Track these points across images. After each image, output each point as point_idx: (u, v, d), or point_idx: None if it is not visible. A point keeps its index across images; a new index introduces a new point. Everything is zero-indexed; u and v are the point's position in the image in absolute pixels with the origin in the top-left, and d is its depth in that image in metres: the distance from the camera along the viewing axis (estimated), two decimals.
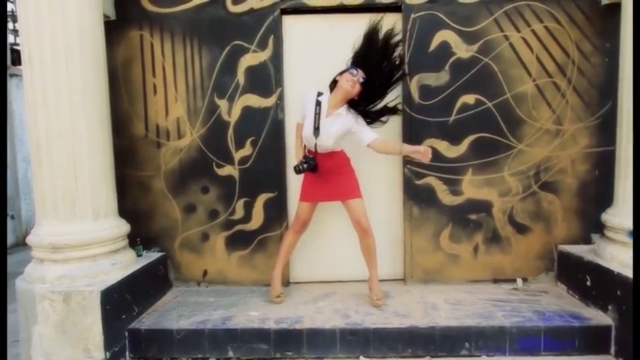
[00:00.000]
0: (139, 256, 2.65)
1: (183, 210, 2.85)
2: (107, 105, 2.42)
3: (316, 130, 2.37)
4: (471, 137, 2.74)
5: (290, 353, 2.21)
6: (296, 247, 2.72)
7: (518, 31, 2.68)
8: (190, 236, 2.86)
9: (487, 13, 2.68)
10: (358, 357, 2.19)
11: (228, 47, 2.76)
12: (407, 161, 2.76)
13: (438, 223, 2.79)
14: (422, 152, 2.30)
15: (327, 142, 2.39)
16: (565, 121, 2.72)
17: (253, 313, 2.40)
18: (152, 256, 2.73)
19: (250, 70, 2.76)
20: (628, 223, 2.22)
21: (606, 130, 2.66)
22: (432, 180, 2.77)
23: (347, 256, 2.83)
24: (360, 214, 2.45)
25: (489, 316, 2.29)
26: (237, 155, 2.82)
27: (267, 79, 2.76)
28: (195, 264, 2.88)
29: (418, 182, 2.77)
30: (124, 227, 2.44)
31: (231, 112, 2.79)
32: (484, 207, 2.78)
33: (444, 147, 2.75)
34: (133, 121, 2.82)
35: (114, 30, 2.73)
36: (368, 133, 2.38)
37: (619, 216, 2.31)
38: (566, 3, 2.66)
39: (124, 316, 2.24)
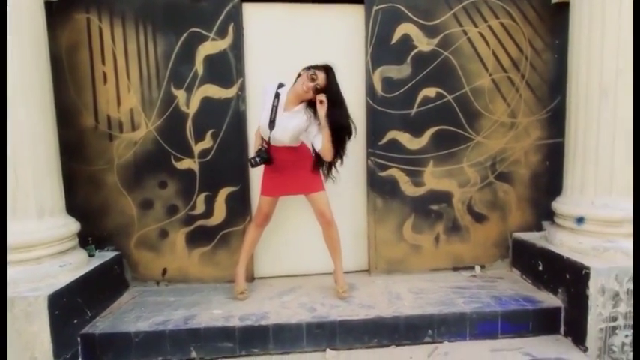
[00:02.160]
0: (91, 256, 2.48)
1: (140, 206, 2.70)
2: (50, 93, 2.23)
3: (272, 122, 2.30)
4: (432, 130, 2.80)
5: (256, 350, 2.17)
6: (260, 242, 2.67)
7: (476, 26, 2.76)
8: (148, 233, 2.72)
9: (447, 7, 2.74)
10: (325, 349, 2.19)
11: (185, 35, 2.63)
12: (370, 153, 2.78)
13: (401, 215, 2.84)
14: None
15: (282, 137, 2.32)
16: (519, 115, 2.84)
17: (217, 310, 2.33)
18: (106, 255, 2.57)
19: (209, 60, 2.65)
20: (575, 210, 2.37)
21: (556, 123, 2.81)
22: (395, 172, 2.81)
23: (312, 249, 2.82)
24: (324, 206, 2.43)
25: (450, 303, 2.37)
26: (197, 148, 2.70)
27: (227, 69, 2.66)
28: (154, 262, 2.74)
29: (381, 174, 2.80)
30: (72, 226, 2.28)
31: (190, 102, 2.67)
32: (445, 198, 2.86)
33: (406, 139, 2.79)
34: (81, 112, 2.62)
35: (57, 12, 2.50)
36: (320, 140, 2.29)
37: (567, 204, 2.45)
38: (519, 0, 2.76)
39: (75, 321, 2.09)
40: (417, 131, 2.79)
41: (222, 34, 2.64)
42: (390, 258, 2.87)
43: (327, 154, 2.29)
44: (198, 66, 2.65)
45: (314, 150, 2.38)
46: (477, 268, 2.91)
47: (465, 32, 2.75)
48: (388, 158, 2.79)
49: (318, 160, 2.41)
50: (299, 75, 2.31)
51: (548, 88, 2.83)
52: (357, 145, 2.84)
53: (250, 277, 2.77)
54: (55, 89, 2.30)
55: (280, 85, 2.36)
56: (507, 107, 2.83)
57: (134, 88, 2.64)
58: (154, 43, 2.63)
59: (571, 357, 2.09)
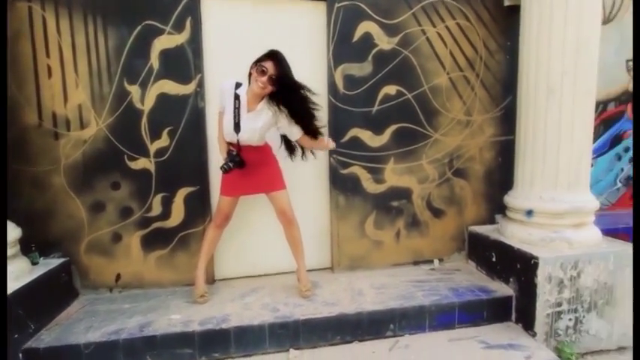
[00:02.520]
0: (34, 264, 2.32)
1: (90, 209, 2.54)
2: (5, 91, 2.04)
3: (237, 125, 2.25)
4: (393, 127, 2.84)
5: (217, 355, 2.12)
6: (220, 242, 2.60)
7: (434, 26, 2.83)
8: (99, 238, 2.58)
9: (406, 7, 2.78)
10: (288, 350, 2.17)
11: (139, 27, 2.49)
12: (333, 151, 2.78)
13: (363, 211, 2.87)
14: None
15: (251, 137, 2.28)
16: (474, 113, 2.95)
17: (175, 316, 2.24)
18: (52, 263, 2.40)
19: (165, 54, 2.53)
20: (525, 204, 2.50)
21: (508, 121, 2.95)
22: (356, 169, 2.83)
23: (274, 248, 2.79)
24: (285, 204, 2.41)
25: (410, 296, 2.43)
26: (153, 147, 2.58)
27: (185, 64, 2.56)
28: (106, 268, 2.60)
29: (343, 172, 2.81)
30: (12, 232, 2.10)
31: (145, 99, 2.54)
32: (405, 194, 2.92)
33: (367, 136, 2.82)
34: (22, 108, 2.42)
35: None
36: (296, 128, 2.30)
37: (518, 198, 2.58)
38: (475, 2, 2.86)
39: (16, 336, 1.93)
40: (378, 129, 2.83)
41: (178, 27, 2.53)
42: (353, 255, 2.89)
43: (312, 143, 2.35)
44: (154, 60, 2.53)
45: (285, 140, 2.42)
46: (436, 261, 3.01)
47: (423, 32, 2.81)
48: (350, 156, 2.80)
49: (288, 148, 2.49)
50: (250, 74, 2.26)
51: (501, 87, 2.96)
52: None
53: (211, 279, 2.70)
54: None
55: (238, 85, 2.29)
56: (463, 105, 2.93)
57: (82, 83, 2.48)
58: (105, 35, 2.47)
59: (521, 342, 2.21)
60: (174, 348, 2.06)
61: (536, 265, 2.24)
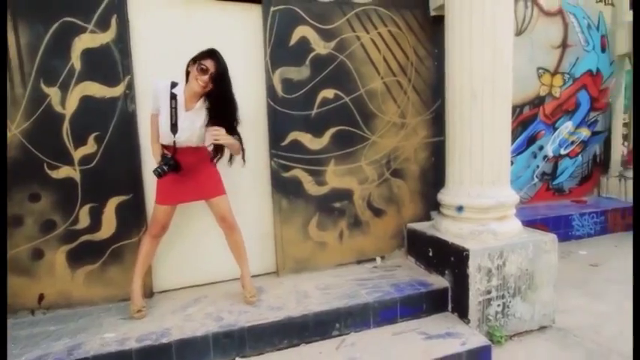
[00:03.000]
0: None
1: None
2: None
3: (174, 126, 2.16)
4: (332, 130, 2.90)
5: None
6: (158, 253, 2.48)
7: (368, 32, 2.94)
8: (17, 255, 2.32)
9: (341, 13, 2.86)
10: (234, 359, 2.12)
11: (56, 25, 2.30)
12: (274, 154, 2.77)
13: (306, 214, 2.89)
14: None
15: (190, 138, 2.22)
16: (408, 115, 3.11)
17: (109, 334, 2.09)
18: None
19: (88, 54, 2.36)
20: (456, 200, 2.68)
21: (438, 123, 3.15)
22: (298, 172, 2.84)
23: (215, 255, 2.71)
24: (225, 210, 2.36)
25: (355, 295, 2.49)
26: (78, 154, 2.39)
27: (111, 65, 2.40)
28: (27, 288, 2.35)
29: (285, 175, 2.82)
30: None
31: (66, 102, 2.35)
32: (346, 195, 2.99)
33: (307, 139, 2.85)
34: None
35: None
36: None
37: (449, 195, 2.76)
38: (404, 11, 3.02)
39: None
40: (317, 132, 2.87)
41: (102, 25, 2.37)
42: (297, 257, 2.90)
43: (237, 150, 2.29)
44: (75, 61, 2.34)
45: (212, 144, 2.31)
46: (378, 259, 3.11)
47: (358, 37, 2.91)
48: (291, 159, 2.81)
49: (216, 152, 2.36)
50: (187, 72, 2.20)
51: (431, 91, 3.15)
52: (259, 147, 2.82)
53: (149, 293, 2.56)
54: None
55: (174, 85, 2.21)
56: (398, 108, 3.07)
57: None
58: (16, 32, 2.25)
59: (457, 330, 2.36)
60: None
61: (467, 256, 2.40)
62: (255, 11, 2.72)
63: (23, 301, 2.35)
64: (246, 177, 2.80)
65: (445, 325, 2.42)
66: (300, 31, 2.77)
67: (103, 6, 2.37)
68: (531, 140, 4.71)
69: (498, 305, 2.47)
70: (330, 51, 2.85)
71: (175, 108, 2.17)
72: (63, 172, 2.37)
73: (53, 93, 2.32)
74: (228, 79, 2.19)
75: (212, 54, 2.15)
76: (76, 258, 2.42)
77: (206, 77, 2.12)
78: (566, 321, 2.63)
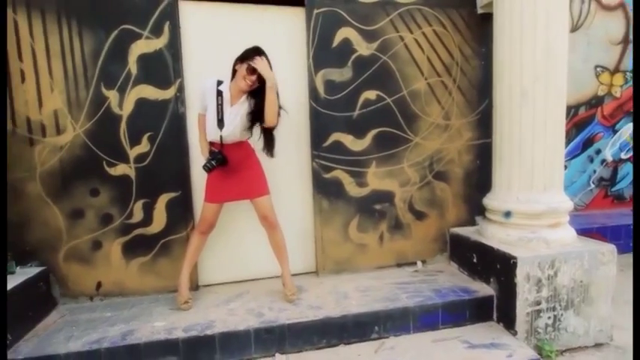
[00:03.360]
0: (10, 273, 2.24)
1: (68, 216, 2.48)
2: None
3: (220, 121, 2.25)
4: (374, 131, 2.88)
5: None
6: (204, 248, 2.57)
7: (411, 32, 2.89)
8: (79, 245, 2.51)
9: (384, 13, 2.84)
10: (274, 354, 2.16)
11: (116, 31, 2.47)
12: (315, 155, 2.80)
13: (346, 215, 2.89)
14: None
15: (234, 131, 2.30)
16: (452, 117, 3.02)
17: (159, 323, 2.20)
18: (29, 272, 2.33)
19: (144, 59, 2.51)
20: (503, 205, 2.57)
21: (484, 124, 3.03)
22: (339, 173, 2.85)
23: (258, 253, 2.78)
24: (268, 210, 2.41)
25: (395, 298, 2.45)
26: (133, 152, 2.55)
27: (164, 69, 2.54)
28: (87, 276, 2.54)
29: (326, 176, 2.83)
30: None
31: (123, 104, 2.51)
32: (387, 197, 2.96)
33: (349, 141, 2.85)
34: None
35: None
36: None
37: (496, 200, 2.65)
38: (449, 10, 2.94)
39: None
40: (359, 133, 2.87)
41: (157, 32, 2.51)
42: (337, 258, 2.91)
43: (273, 117, 2.25)
44: (132, 65, 2.50)
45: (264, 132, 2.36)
46: (419, 263, 3.05)
47: (401, 38, 2.88)
48: (332, 160, 2.83)
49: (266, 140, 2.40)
50: (234, 70, 2.28)
51: (477, 92, 3.05)
52: (301, 147, 2.86)
53: (195, 286, 2.67)
54: None
55: (219, 83, 2.30)
56: (442, 110, 3.00)
57: (58, 88, 2.43)
58: (80, 39, 2.44)
59: (503, 341, 2.26)
60: (158, 356, 2.03)
61: (515, 264, 2.29)
62: (298, 14, 2.77)
63: (82, 288, 2.54)
64: (288, 177, 2.85)
65: (490, 335, 2.33)
66: (343, 33, 2.78)
67: (157, 13, 2.51)
68: (587, 143, 4.41)
69: (549, 318, 2.34)
70: (373, 52, 2.84)
71: (221, 104, 2.26)
72: (120, 169, 2.53)
73: (112, 96, 2.49)
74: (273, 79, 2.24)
75: (258, 53, 2.23)
76: (130, 250, 2.58)
77: (254, 77, 2.21)
78: (626, 339, 2.43)
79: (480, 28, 2.99)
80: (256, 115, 2.29)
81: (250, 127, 2.34)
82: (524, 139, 2.47)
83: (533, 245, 2.43)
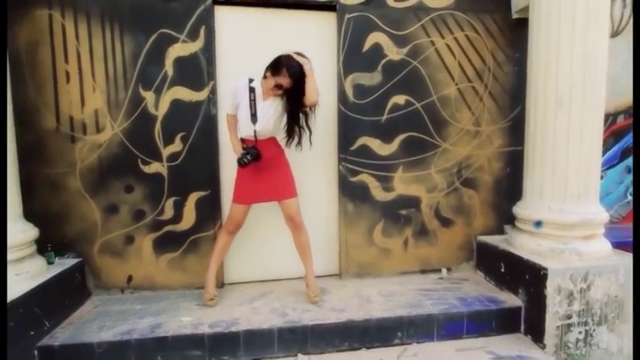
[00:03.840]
0: (50, 263, 2.36)
1: (104, 211, 2.60)
2: (5, 92, 2.10)
3: (253, 116, 2.30)
4: (402, 136, 2.87)
5: (226, 357, 2.13)
6: (229, 248, 2.63)
7: (443, 37, 2.87)
8: (112, 239, 2.62)
9: (415, 18, 2.83)
10: (296, 355, 2.18)
11: (155, 35, 2.57)
12: (342, 159, 2.82)
13: (371, 219, 2.89)
14: None
15: (267, 125, 2.33)
16: (483, 123, 2.97)
17: (186, 318, 2.27)
18: (66, 263, 2.45)
19: (180, 61, 2.60)
20: (534, 214, 2.50)
21: (516, 131, 2.97)
22: (365, 177, 2.86)
23: (283, 253, 2.81)
24: (295, 211, 2.44)
25: (419, 305, 2.43)
26: (166, 151, 2.64)
27: (198, 71, 2.62)
28: (119, 269, 2.64)
29: (352, 179, 2.84)
30: (30, 232, 2.16)
31: (159, 105, 2.61)
32: (413, 202, 2.94)
33: (376, 145, 2.85)
34: (40, 112, 2.49)
35: (16, 7, 2.38)
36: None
37: (527, 209, 2.58)
38: (483, 15, 2.90)
39: (32, 333, 1.97)
40: (386, 137, 2.86)
41: (193, 36, 2.60)
42: (361, 262, 2.91)
43: (314, 94, 2.27)
44: (168, 68, 2.60)
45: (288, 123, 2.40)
46: (444, 270, 3.00)
47: (432, 43, 2.86)
48: (359, 164, 2.84)
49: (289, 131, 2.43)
50: (265, 75, 2.30)
51: (509, 98, 2.99)
52: (329, 151, 2.89)
53: (220, 283, 2.73)
54: (12, 88, 2.18)
55: (251, 80, 2.34)
56: (472, 116, 2.95)
57: (99, 88, 2.55)
58: (122, 42, 2.55)
59: (531, 354, 2.20)
60: (185, 349, 2.09)
61: (545, 276, 2.23)
62: (329, 18, 2.80)
63: (114, 281, 2.65)
64: (315, 179, 2.88)
65: (517, 347, 2.27)
66: (374, 38, 2.79)
67: (194, 18, 2.60)
68: (625, 153, 4.22)
69: (580, 332, 2.26)
70: (403, 57, 2.83)
71: (254, 100, 2.30)
72: (153, 167, 2.63)
73: (149, 97, 2.60)
74: (303, 80, 2.25)
75: (290, 73, 2.21)
76: (160, 246, 2.67)
77: (281, 92, 2.27)
78: None
79: (514, 34, 2.93)
80: (292, 109, 2.34)
81: (291, 122, 2.37)
82: (558, 147, 2.40)
83: (565, 257, 2.36)
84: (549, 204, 2.45)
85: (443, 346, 2.29)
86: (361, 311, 2.34)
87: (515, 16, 2.89)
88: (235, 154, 2.42)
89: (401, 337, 2.30)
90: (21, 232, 2.08)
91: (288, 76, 2.22)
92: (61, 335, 2.10)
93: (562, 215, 2.40)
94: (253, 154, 2.30)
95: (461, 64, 2.91)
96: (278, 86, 2.24)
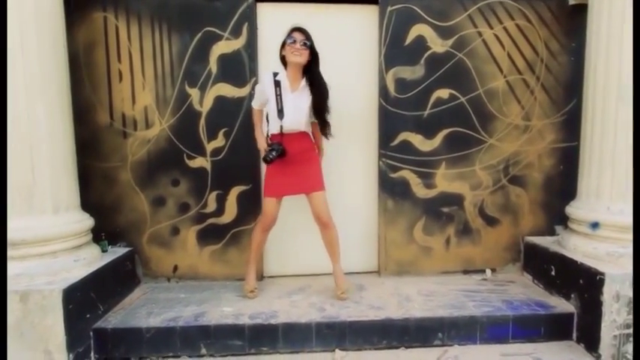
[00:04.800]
0: (103, 251, 2.52)
1: (152, 203, 2.73)
2: (68, 91, 2.26)
3: (280, 112, 2.29)
4: (445, 131, 2.78)
5: (265, 349, 2.18)
6: (269, 241, 2.67)
7: (491, 27, 2.73)
8: (160, 230, 2.75)
9: (461, 8, 2.71)
10: (334, 350, 2.19)
11: (200, 34, 2.65)
12: (382, 154, 2.77)
13: (411, 216, 2.83)
14: None
15: (297, 119, 2.32)
16: (533, 117, 2.81)
17: (227, 308, 2.34)
18: (118, 251, 2.60)
19: (223, 59, 2.67)
20: (590, 215, 2.33)
21: (571, 126, 2.78)
22: (406, 173, 2.79)
23: (321, 249, 2.79)
24: (320, 208, 2.39)
25: (461, 306, 2.35)
26: (210, 146, 2.72)
27: (241, 68, 2.68)
28: (165, 259, 2.77)
29: (393, 175, 2.79)
30: (87, 221, 2.31)
31: (203, 101, 2.69)
32: (456, 200, 2.84)
33: (418, 141, 2.78)
34: (96, 109, 2.65)
35: (75, 11, 2.54)
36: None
37: (582, 209, 2.41)
38: (536, 2, 2.73)
39: (88, 316, 2.12)
40: (429, 133, 2.78)
41: (236, 33, 2.65)
42: (400, 259, 2.85)
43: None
44: (212, 65, 2.67)
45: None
46: (488, 271, 2.89)
47: (479, 34, 2.73)
48: (400, 159, 2.78)
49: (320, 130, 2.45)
50: (282, 57, 2.33)
51: (564, 90, 2.80)
52: (369, 146, 2.85)
53: (259, 276, 2.79)
54: (71, 87, 2.33)
55: (275, 74, 2.33)
56: (522, 110, 2.80)
57: (149, 86, 2.67)
58: (169, 41, 2.65)
59: None
60: (226, 339, 2.15)
61: (602, 281, 2.08)
62: (371, 11, 2.75)
63: (162, 270, 2.78)
64: (354, 175, 2.86)
65: (568, 356, 2.14)
66: (417, 30, 2.71)
67: (237, 15, 2.65)
68: None
69: None
70: (448, 49, 2.73)
71: (280, 94, 2.29)
72: (198, 162, 2.72)
73: (194, 93, 2.68)
74: (317, 54, 2.31)
75: (295, 28, 2.29)
76: (204, 238, 2.76)
77: (298, 45, 2.24)
78: None
79: (571, 21, 2.73)
80: (317, 102, 2.34)
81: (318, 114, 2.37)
82: (619, 144, 2.22)
83: (624, 262, 2.18)
84: (608, 204, 2.28)
85: (486, 350, 2.21)
86: (400, 310, 2.30)
87: (572, 2, 2.70)
88: (260, 149, 2.43)
89: (441, 339, 2.24)
90: (79, 221, 2.23)
91: (297, 31, 2.27)
92: (113, 319, 2.23)
93: (622, 217, 2.21)
94: (278, 150, 2.27)
95: (510, 56, 2.76)
96: (293, 41, 2.24)
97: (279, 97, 2.29)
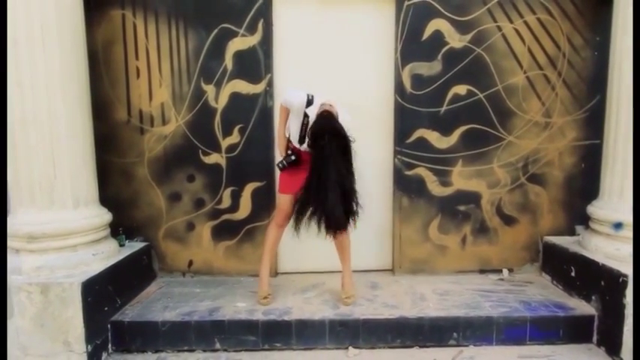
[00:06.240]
0: (121, 246, 2.56)
1: (168, 199, 2.76)
2: (87, 87, 2.30)
3: (302, 138, 2.27)
4: (462, 128, 2.73)
5: (278, 345, 2.18)
6: (284, 238, 2.66)
7: (511, 22, 2.66)
8: (175, 226, 2.78)
9: (480, 2, 2.65)
10: (347, 348, 2.18)
11: (216, 30, 2.66)
12: (397, 152, 2.74)
13: (427, 214, 2.79)
14: None
15: None
16: (554, 114, 2.73)
17: (241, 304, 2.35)
18: (135, 246, 2.64)
19: (239, 55, 2.67)
20: (613, 215, 2.26)
21: (593, 123, 2.69)
22: (422, 171, 2.76)
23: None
24: None
25: (477, 306, 2.31)
26: (225, 143, 2.73)
27: (256, 64, 2.68)
28: (181, 254, 2.80)
29: (408, 173, 2.76)
30: (105, 216, 2.35)
31: (219, 98, 2.70)
32: (473, 198, 2.79)
33: (434, 138, 2.74)
34: (114, 106, 2.69)
35: (94, 9, 2.58)
36: None
37: (605, 209, 2.34)
38: None
39: (106, 308, 2.16)
40: (445, 130, 2.73)
41: (252, 30, 2.65)
42: (415, 258, 2.82)
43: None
44: (228, 61, 2.68)
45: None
46: (505, 271, 2.83)
47: (499, 28, 2.67)
48: (415, 157, 2.74)
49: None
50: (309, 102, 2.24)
51: (587, 86, 2.71)
52: (384, 143, 2.82)
53: (274, 273, 2.79)
54: (90, 83, 2.37)
55: (309, 103, 2.24)
56: (542, 106, 2.73)
57: (165, 83, 2.69)
58: (186, 38, 2.67)
59: None
60: (240, 334, 2.17)
61: (624, 283, 2.01)
62: (387, 6, 2.71)
63: (177, 265, 2.81)
64: (369, 172, 2.82)
65: (588, 359, 2.08)
66: (434, 25, 2.66)
67: (253, 12, 2.64)
68: None
69: None
70: (466, 44, 2.67)
71: (306, 125, 2.25)
72: (213, 158, 2.74)
73: (210, 90, 2.70)
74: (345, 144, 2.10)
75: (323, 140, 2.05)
76: (218, 233, 2.78)
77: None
78: None
79: (596, 15, 2.64)
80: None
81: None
82: None
83: None
84: (632, 204, 2.20)
85: (502, 351, 2.17)
86: (414, 309, 2.28)
87: None
88: (279, 150, 2.43)
89: (456, 339, 2.21)
90: (97, 216, 2.27)
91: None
92: (130, 312, 2.27)
93: None
94: (291, 161, 2.29)
95: (531, 51, 2.68)
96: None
97: (304, 126, 2.26)
